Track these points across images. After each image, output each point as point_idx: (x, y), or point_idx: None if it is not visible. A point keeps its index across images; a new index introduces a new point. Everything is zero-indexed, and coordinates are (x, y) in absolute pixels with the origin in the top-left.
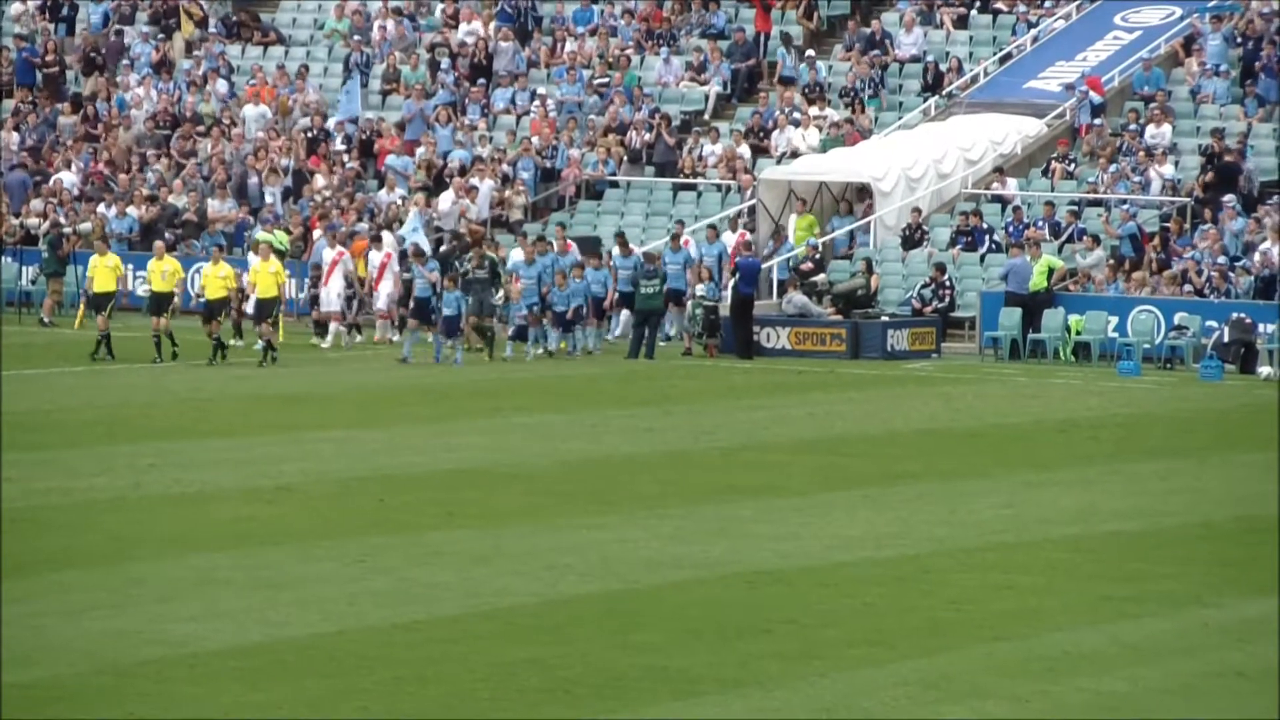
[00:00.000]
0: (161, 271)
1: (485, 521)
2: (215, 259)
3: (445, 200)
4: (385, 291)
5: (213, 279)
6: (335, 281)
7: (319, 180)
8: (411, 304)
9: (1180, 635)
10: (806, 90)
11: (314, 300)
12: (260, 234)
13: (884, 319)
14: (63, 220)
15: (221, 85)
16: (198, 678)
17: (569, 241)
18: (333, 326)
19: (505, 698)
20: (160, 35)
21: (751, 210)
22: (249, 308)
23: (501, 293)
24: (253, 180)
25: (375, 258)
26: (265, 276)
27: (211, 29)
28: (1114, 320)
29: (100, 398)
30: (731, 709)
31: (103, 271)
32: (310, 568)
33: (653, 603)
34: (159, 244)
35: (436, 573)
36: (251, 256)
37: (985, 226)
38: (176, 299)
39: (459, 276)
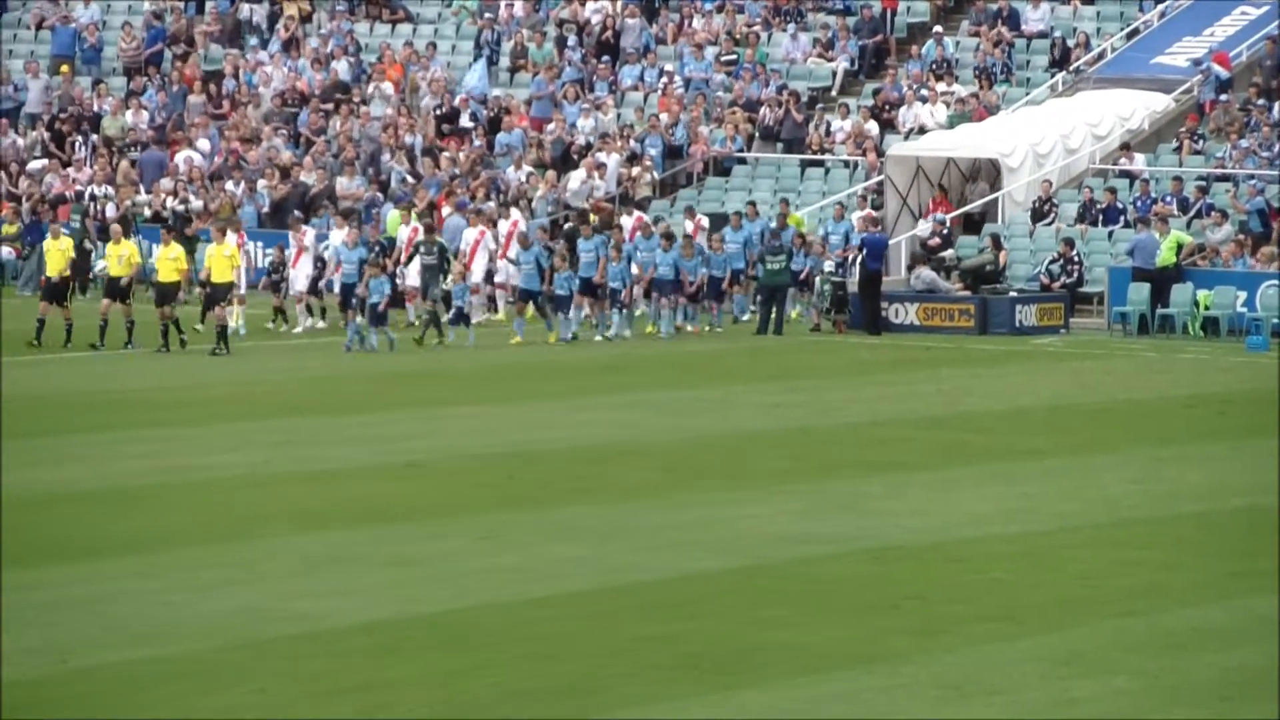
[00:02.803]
0: (135, 256)
1: (615, 497)
2: (165, 240)
3: (575, 179)
4: (304, 273)
5: (164, 261)
6: (304, 263)
7: (446, 158)
8: (339, 289)
9: None
10: (935, 66)
11: (275, 286)
12: (391, 212)
13: (1012, 295)
14: (192, 198)
15: (348, 63)
16: (329, 653)
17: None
18: (299, 306)
19: (636, 673)
20: (288, 15)
21: (880, 187)
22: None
23: (450, 278)
24: (385, 157)
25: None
26: (219, 260)
27: (339, 6)
28: (1242, 295)
29: (234, 375)
30: (859, 684)
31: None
32: (441, 544)
33: (781, 578)
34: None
35: (567, 548)
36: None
37: (1119, 205)
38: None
39: (568, 255)
